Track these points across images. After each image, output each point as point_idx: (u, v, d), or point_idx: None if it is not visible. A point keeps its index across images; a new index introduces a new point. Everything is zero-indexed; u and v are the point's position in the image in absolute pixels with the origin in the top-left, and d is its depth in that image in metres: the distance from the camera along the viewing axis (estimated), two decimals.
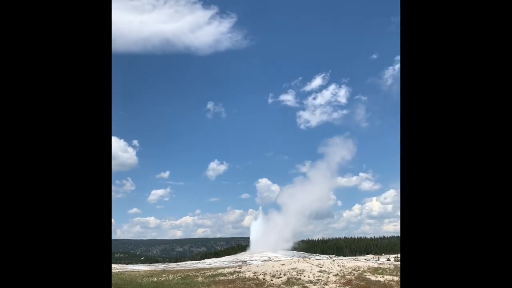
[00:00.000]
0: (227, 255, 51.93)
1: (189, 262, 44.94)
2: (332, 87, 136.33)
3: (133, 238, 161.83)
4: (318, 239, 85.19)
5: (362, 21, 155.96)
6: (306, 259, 29.30)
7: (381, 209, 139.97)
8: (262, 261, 33.14)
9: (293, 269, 21.98)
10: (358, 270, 22.32)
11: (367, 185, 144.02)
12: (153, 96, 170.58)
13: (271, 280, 19.52)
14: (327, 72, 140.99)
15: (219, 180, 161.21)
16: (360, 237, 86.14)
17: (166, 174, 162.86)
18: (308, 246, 68.81)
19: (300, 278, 19.72)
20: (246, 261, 34.68)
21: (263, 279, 19.88)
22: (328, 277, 19.93)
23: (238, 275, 21.29)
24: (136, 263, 52.33)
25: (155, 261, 68.52)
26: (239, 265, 27.88)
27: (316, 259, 29.84)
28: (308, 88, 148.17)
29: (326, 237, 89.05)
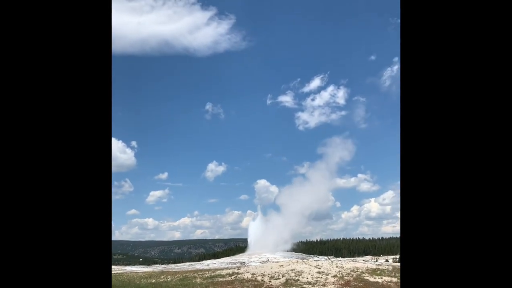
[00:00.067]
0: (226, 257, 51.90)
1: (188, 263, 44.91)
2: (330, 88, 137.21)
3: (132, 240, 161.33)
4: (316, 240, 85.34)
5: (360, 22, 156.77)
6: (305, 260, 29.30)
7: (379, 210, 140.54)
8: (260, 262, 33.13)
9: (291, 270, 21.97)
10: (357, 271, 22.32)
11: (365, 186, 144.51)
12: (151, 97, 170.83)
13: (270, 281, 19.50)
14: (326, 73, 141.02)
15: (218, 181, 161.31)
16: (359, 238, 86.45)
17: (164, 175, 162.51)
18: (307, 247, 68.79)
19: (298, 280, 19.71)
20: (244, 262, 34.63)
21: (262, 280, 19.87)
22: (327, 278, 19.93)
23: (236, 277, 21.26)
24: (134, 265, 52.36)
25: (154, 262, 68.37)
26: (237, 267, 27.84)
27: (314, 260, 29.85)
28: (306, 89, 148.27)
29: (324, 238, 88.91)
